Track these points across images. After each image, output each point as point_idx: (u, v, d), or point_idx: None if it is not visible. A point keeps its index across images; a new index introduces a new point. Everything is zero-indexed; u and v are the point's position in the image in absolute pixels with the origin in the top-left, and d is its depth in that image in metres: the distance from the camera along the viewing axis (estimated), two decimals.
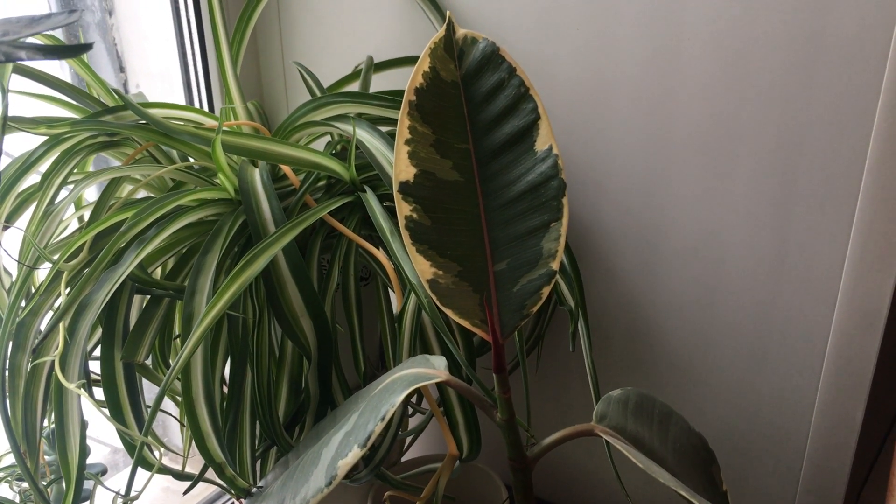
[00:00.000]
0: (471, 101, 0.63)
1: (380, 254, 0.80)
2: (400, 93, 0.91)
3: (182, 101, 1.13)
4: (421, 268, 0.63)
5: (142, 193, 0.87)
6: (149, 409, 0.76)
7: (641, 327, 0.98)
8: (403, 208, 0.62)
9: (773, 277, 0.88)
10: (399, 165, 0.62)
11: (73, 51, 0.51)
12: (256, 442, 0.80)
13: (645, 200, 0.92)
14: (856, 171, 0.80)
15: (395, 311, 0.88)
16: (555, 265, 0.62)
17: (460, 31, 0.63)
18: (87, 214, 0.89)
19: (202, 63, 1.10)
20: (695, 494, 0.58)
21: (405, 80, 1.02)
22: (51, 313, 0.73)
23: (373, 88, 0.97)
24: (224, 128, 0.87)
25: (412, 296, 0.76)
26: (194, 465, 1.13)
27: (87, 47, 0.53)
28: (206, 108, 1.13)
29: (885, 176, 0.78)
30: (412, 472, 0.90)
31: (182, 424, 0.85)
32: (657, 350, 0.98)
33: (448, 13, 0.63)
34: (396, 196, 0.62)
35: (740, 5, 0.80)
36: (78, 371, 0.67)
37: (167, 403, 0.96)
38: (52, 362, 0.71)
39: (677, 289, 0.94)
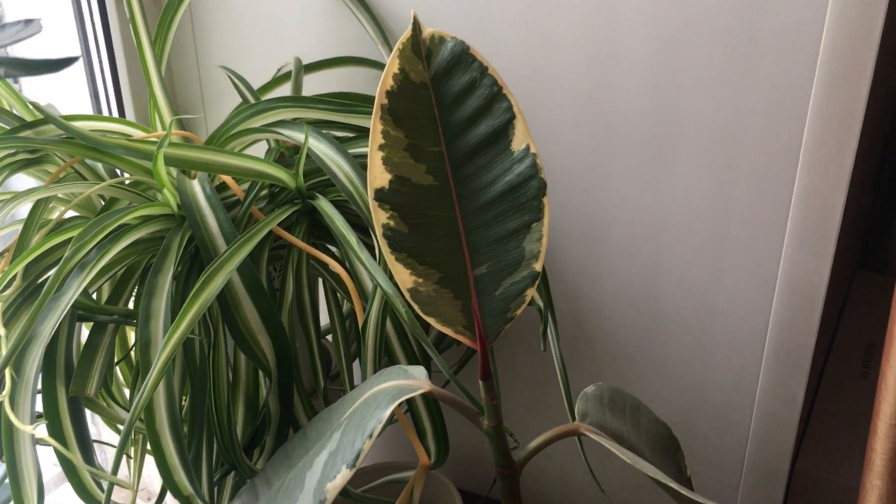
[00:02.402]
0: (441, 103, 0.61)
1: (334, 263, 0.77)
2: (339, 95, 0.88)
3: (89, 108, 1.06)
4: (401, 277, 0.61)
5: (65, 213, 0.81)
6: (96, 444, 0.71)
7: (586, 321, 0.99)
8: (380, 216, 0.60)
9: (714, 264, 0.90)
10: (373, 172, 0.60)
11: (58, 65, 0.46)
12: (213, 467, 0.76)
13: (585, 196, 0.92)
14: (792, 157, 0.82)
15: (342, 314, 0.86)
16: (538, 266, 0.61)
17: (427, 31, 0.61)
18: None
19: (110, 67, 1.03)
20: (689, 491, 0.58)
21: (335, 83, 1.00)
22: None
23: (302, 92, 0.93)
24: (152, 139, 0.82)
25: (374, 304, 0.74)
26: (121, 493, 1.06)
27: (73, 60, 0.48)
28: (115, 115, 1.06)
29: (820, 161, 0.81)
30: (374, 485, 0.88)
31: (128, 456, 0.80)
32: (603, 342, 0.99)
33: (413, 12, 0.61)
34: (372, 204, 0.60)
35: None
36: (30, 410, 0.61)
37: (105, 432, 0.89)
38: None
39: (620, 281, 0.95)
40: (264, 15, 1.01)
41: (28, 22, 0.42)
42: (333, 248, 0.86)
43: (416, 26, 0.61)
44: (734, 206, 0.87)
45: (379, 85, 0.59)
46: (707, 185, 0.87)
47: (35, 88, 1.08)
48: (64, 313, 0.63)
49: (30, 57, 0.41)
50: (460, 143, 0.62)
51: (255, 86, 0.96)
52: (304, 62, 0.97)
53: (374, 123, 0.59)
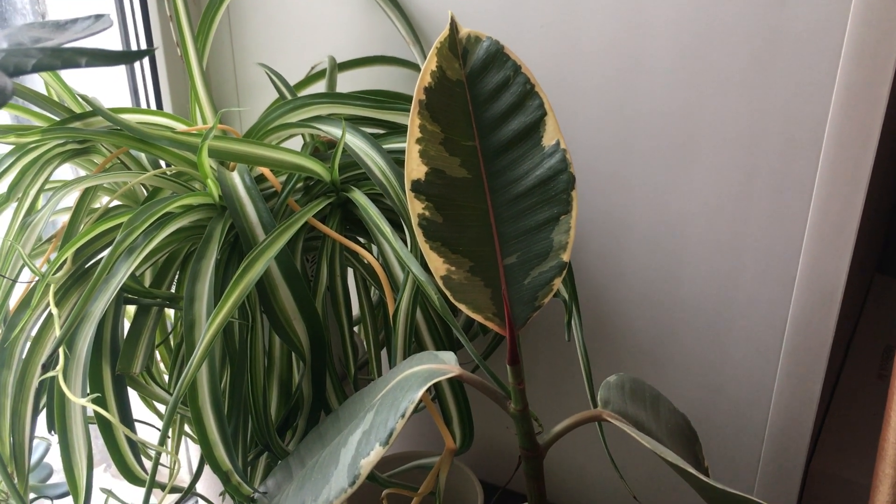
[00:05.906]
0: (476, 99, 0.64)
1: (367, 254, 0.80)
2: (373, 92, 0.92)
3: (128, 102, 1.10)
4: (434, 265, 0.64)
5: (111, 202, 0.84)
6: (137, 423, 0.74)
7: (607, 316, 1.01)
8: (416, 206, 0.63)
9: (734, 262, 0.93)
10: (410, 164, 0.63)
11: (135, 56, 0.49)
12: (248, 447, 0.79)
13: (607, 195, 0.95)
14: (812, 157, 0.85)
15: (372, 303, 0.89)
16: (565, 257, 0.64)
17: (463, 31, 0.64)
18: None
19: (150, 63, 1.07)
20: (708, 478, 0.61)
21: (367, 81, 1.03)
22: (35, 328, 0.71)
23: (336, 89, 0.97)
24: (195, 131, 0.86)
25: (406, 293, 0.76)
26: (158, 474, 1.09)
27: (148, 51, 0.51)
28: (153, 108, 1.10)
29: (840, 162, 0.83)
30: (399, 470, 0.91)
31: (167, 436, 0.83)
32: (621, 337, 1.01)
33: (450, 13, 0.64)
34: (409, 195, 0.63)
35: None
36: (80, 385, 0.65)
37: (144, 412, 0.92)
38: (40, 378, 0.68)
39: (641, 278, 0.98)
40: (298, 15, 1.05)
41: (98, 17, 0.45)
42: (362, 241, 0.89)
43: (454, 26, 0.63)
44: (754, 205, 0.89)
45: (417, 81, 0.62)
46: (728, 185, 0.89)
47: (77, 82, 1.11)
48: (113, 295, 0.66)
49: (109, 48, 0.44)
50: (493, 138, 0.64)
51: (294, 83, 0.99)
52: (337, 61, 1.01)
53: (412, 118, 0.62)
